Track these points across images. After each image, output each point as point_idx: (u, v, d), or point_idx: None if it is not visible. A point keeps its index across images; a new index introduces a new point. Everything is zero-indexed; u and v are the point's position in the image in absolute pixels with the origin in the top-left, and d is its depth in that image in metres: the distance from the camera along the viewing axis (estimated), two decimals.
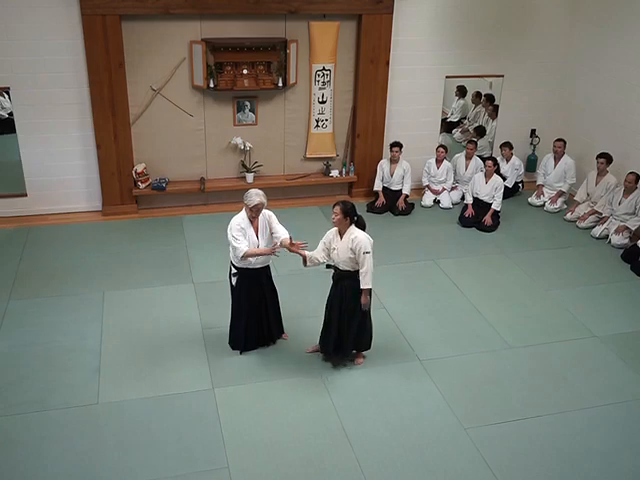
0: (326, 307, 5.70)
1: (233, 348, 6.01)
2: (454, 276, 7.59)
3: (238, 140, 9.02)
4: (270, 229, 5.50)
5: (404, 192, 9.42)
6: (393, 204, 9.34)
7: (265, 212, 5.46)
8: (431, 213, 9.44)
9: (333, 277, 5.52)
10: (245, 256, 5.28)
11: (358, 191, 9.79)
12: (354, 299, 5.40)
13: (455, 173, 9.69)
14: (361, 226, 5.33)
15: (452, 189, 9.79)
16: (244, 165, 9.16)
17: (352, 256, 5.23)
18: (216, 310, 6.58)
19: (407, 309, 6.84)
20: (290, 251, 5.38)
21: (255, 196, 5.33)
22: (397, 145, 9.29)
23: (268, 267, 5.75)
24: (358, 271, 5.26)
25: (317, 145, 9.51)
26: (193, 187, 9.01)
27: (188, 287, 7.10)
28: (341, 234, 5.31)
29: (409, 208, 9.41)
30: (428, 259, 7.95)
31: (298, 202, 9.27)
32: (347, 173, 9.61)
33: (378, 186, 9.46)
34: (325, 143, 9.51)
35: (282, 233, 5.46)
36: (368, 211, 9.30)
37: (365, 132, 9.43)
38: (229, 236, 5.35)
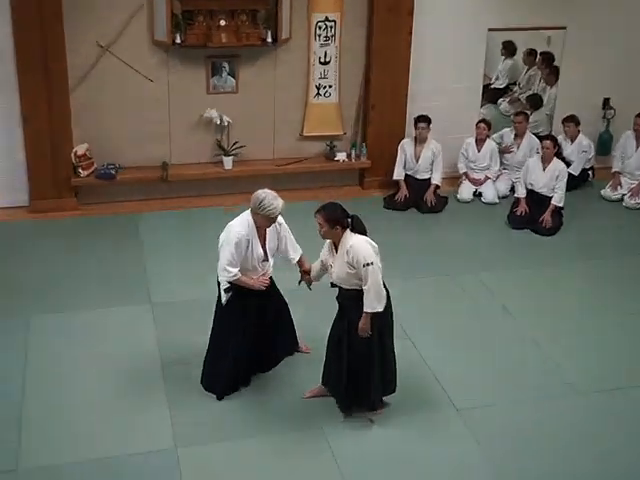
0: (328, 341, 5.74)
1: (207, 389, 5.94)
2: (501, 295, 7.56)
3: (213, 113, 9.02)
4: (280, 242, 5.62)
5: (434, 182, 9.40)
6: (420, 198, 9.29)
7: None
8: (470, 210, 9.48)
9: (337, 298, 5.62)
10: (233, 281, 5.38)
11: (372, 181, 9.79)
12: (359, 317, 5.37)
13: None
14: (359, 230, 5.28)
15: (498, 178, 9.81)
16: (220, 146, 9.17)
17: (352, 271, 5.22)
18: (182, 340, 6.54)
19: (439, 339, 6.80)
20: (303, 275, 5.66)
21: (276, 201, 5.30)
22: (424, 120, 9.23)
23: (273, 282, 5.90)
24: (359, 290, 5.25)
25: (318, 120, 9.54)
26: (152, 175, 9.05)
27: (144, 310, 7.10)
28: (336, 246, 5.32)
29: (440, 203, 9.38)
30: (467, 272, 7.89)
31: (292, 195, 8.71)
32: (357, 157, 9.61)
33: (399, 174, 9.46)
34: (328, 117, 9.54)
35: (296, 251, 5.66)
36: (386, 207, 9.29)
37: (382, 102, 9.42)
38: (221, 249, 5.37)
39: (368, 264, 5.16)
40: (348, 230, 5.23)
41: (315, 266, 5.64)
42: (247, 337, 5.73)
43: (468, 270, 7.91)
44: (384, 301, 5.23)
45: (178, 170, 9.15)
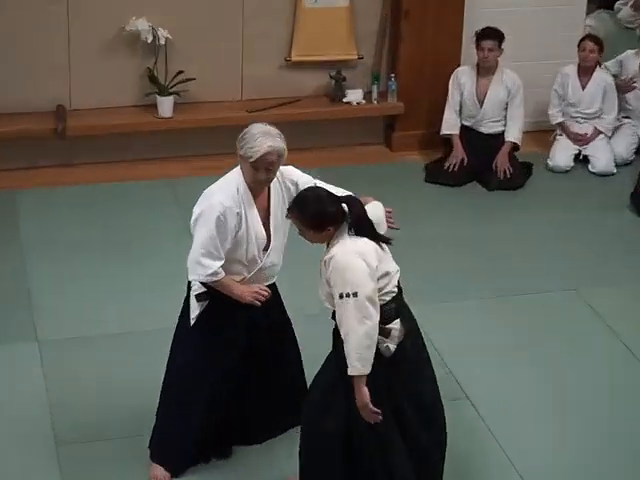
0: (308, 404, 5.30)
1: (159, 460, 5.46)
2: (621, 327, 6.97)
3: (141, 25, 8.39)
4: None
5: (509, 139, 8.72)
6: (485, 165, 8.70)
7: (285, 172, 5.17)
8: (569, 185, 8.81)
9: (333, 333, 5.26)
10: (210, 283, 5.10)
11: (405, 137, 9.11)
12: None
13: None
14: (364, 231, 4.78)
15: (616, 132, 9.19)
16: (153, 79, 8.58)
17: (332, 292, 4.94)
18: (87, 397, 6.04)
19: (518, 401, 6.26)
20: None
21: (263, 138, 4.88)
22: (492, 35, 8.57)
23: (275, 288, 5.43)
24: None
25: (316, 35, 8.90)
26: (40, 128, 8.52)
27: (27, 350, 6.60)
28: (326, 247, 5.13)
29: (520, 174, 8.74)
30: (563, 288, 7.38)
31: None
32: (382, 97, 9.04)
33: (451, 126, 8.78)
34: (333, 31, 8.91)
35: None
36: (430, 180, 8.69)
37: (422, 7, 8.84)
38: (194, 229, 5.08)
39: (347, 295, 4.61)
40: (346, 232, 4.77)
41: None
42: (227, 382, 5.35)
43: (566, 283, 7.43)
44: (371, 356, 4.71)
45: (83, 119, 8.53)
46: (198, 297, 5.31)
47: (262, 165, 4.99)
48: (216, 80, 8.79)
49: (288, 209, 5.01)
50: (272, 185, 5.26)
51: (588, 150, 8.96)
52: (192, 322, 5.37)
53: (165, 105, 8.50)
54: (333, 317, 5.06)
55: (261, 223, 5.23)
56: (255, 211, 5.21)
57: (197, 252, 5.12)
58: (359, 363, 4.83)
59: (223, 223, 5.08)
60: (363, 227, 4.94)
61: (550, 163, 8.91)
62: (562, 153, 8.91)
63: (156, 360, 5.90)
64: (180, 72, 8.51)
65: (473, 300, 7.21)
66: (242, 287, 5.25)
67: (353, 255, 4.80)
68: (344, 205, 4.93)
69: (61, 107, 8.50)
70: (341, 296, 4.77)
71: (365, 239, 4.90)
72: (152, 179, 8.42)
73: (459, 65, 8.92)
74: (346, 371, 4.96)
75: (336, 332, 5.08)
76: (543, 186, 8.74)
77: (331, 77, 8.91)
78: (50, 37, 8.56)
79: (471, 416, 6.18)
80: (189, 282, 5.44)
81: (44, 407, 6.16)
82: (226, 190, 5.13)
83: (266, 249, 5.28)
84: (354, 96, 8.84)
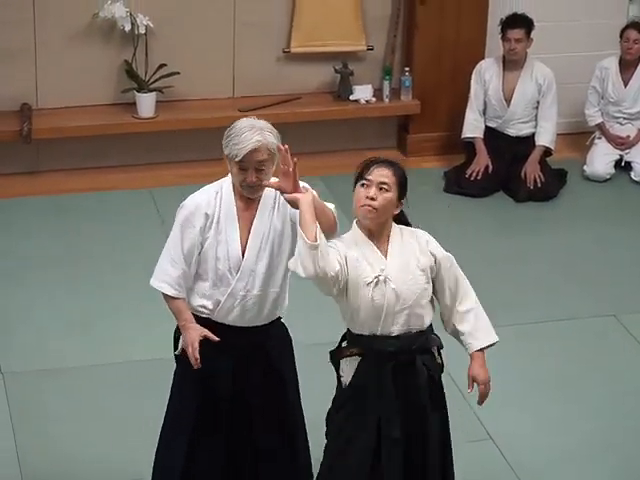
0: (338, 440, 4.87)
1: None
2: None
3: (118, 10, 7.93)
4: (287, 240, 4.90)
5: (540, 143, 8.27)
6: (514, 173, 8.31)
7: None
8: (609, 194, 8.44)
9: (379, 363, 4.62)
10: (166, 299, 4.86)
11: (422, 140, 8.75)
12: (436, 414, 4.70)
13: None
14: (403, 221, 4.70)
15: None
16: (131, 73, 8.16)
17: (428, 286, 4.60)
18: (59, 443, 5.78)
19: (544, 438, 5.89)
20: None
21: (250, 131, 4.62)
22: (521, 23, 8.12)
23: (277, 325, 4.96)
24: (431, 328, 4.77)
25: (318, 23, 8.47)
26: (2, 129, 8.13)
27: None
28: (378, 239, 4.64)
29: (553, 183, 8.32)
30: (600, 313, 6.93)
31: None
32: (394, 94, 8.66)
33: (474, 128, 8.34)
34: (338, 16, 8.51)
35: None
36: (449, 190, 8.27)
37: None
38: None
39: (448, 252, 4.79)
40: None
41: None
42: (208, 445, 4.94)
43: (601, 310, 6.99)
44: None
45: (51, 120, 8.12)
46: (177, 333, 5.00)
47: (250, 165, 4.66)
48: (204, 75, 8.45)
49: (376, 161, 4.64)
50: (263, 199, 4.83)
51: (631, 155, 8.53)
52: (176, 352, 5.02)
53: (145, 103, 8.14)
54: (407, 341, 4.75)
55: (239, 238, 4.85)
56: (235, 222, 4.84)
57: (161, 259, 4.97)
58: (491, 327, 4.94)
59: (188, 223, 4.84)
60: (404, 220, 4.74)
61: (587, 170, 8.48)
62: (601, 159, 8.48)
63: (135, 393, 5.75)
64: (162, 65, 8.13)
65: (500, 328, 6.35)
66: (193, 325, 4.90)
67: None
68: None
69: (26, 106, 8.14)
70: (448, 258, 4.73)
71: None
72: (131, 189, 8.14)
73: (483, 58, 8.53)
74: (422, 427, 4.68)
75: (403, 359, 4.72)
76: (579, 197, 8.41)
77: (336, 71, 8.51)
78: (12, 24, 8.18)
79: (491, 455, 5.76)
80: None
81: (12, 463, 5.77)
82: (204, 191, 4.92)
83: (239, 269, 4.94)
84: (363, 93, 8.48)
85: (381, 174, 4.51)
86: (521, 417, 6.14)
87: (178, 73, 8.09)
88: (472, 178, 8.19)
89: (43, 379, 6.32)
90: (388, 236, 4.61)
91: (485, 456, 5.77)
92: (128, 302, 6.70)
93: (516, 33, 8.01)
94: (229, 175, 4.93)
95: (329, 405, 5.07)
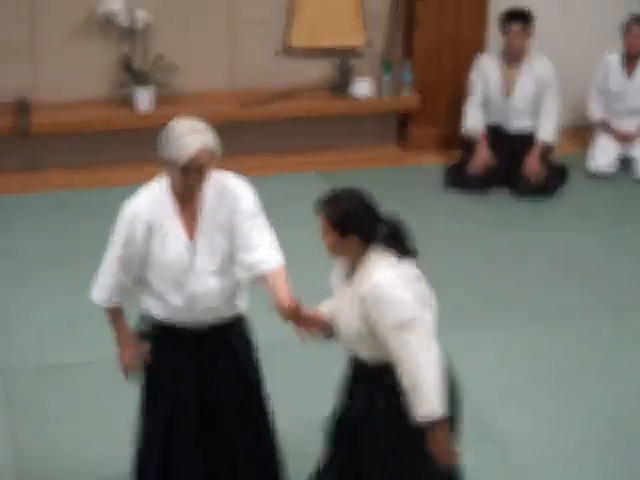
0: (329, 438, 4.79)
1: None
2: None
3: (115, 5, 7.98)
4: (235, 234, 4.72)
5: (541, 138, 8.29)
6: (515, 169, 8.30)
7: (223, 179, 4.76)
8: (611, 191, 8.44)
9: (347, 380, 4.71)
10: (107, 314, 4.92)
11: (422, 135, 8.75)
12: (387, 436, 4.53)
13: None
14: (402, 249, 4.43)
15: None
16: (130, 67, 8.24)
17: (364, 329, 4.44)
18: (62, 437, 5.71)
19: (548, 438, 5.81)
20: (297, 325, 4.68)
21: (191, 134, 4.51)
22: (520, 18, 8.14)
23: (237, 323, 4.88)
24: (390, 366, 4.56)
25: (318, 18, 8.53)
26: (0, 125, 8.37)
27: None
28: (351, 271, 4.62)
29: (554, 179, 8.30)
30: (603, 312, 6.87)
31: (270, 163, 8.40)
32: (394, 90, 8.65)
33: (475, 123, 8.35)
34: (338, 12, 8.55)
35: (264, 259, 4.66)
36: (449, 186, 8.31)
37: None
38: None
39: (401, 325, 4.29)
40: (376, 247, 4.44)
41: (327, 306, 4.80)
42: (178, 426, 4.90)
43: (604, 309, 6.93)
44: (440, 392, 4.48)
45: (48, 115, 8.07)
46: (141, 334, 5.00)
47: (193, 168, 4.60)
48: (203, 69, 8.48)
49: (321, 202, 4.59)
50: (208, 198, 4.82)
51: (635, 152, 8.55)
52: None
53: (144, 98, 8.16)
54: (358, 368, 4.69)
55: (185, 239, 4.83)
56: (179, 223, 4.80)
57: (100, 270, 4.98)
58: (439, 402, 4.45)
59: (130, 236, 4.76)
60: (405, 247, 4.51)
61: (590, 166, 8.51)
62: (603, 155, 8.50)
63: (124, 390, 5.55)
64: (160, 55, 8.13)
65: (499, 325, 6.88)
66: (128, 346, 4.95)
67: (395, 279, 4.47)
68: (381, 226, 4.53)
69: (23, 100, 8.14)
70: (395, 328, 4.37)
71: (401, 262, 4.61)
72: (129, 185, 7.90)
73: (481, 52, 8.57)
74: (414, 425, 4.49)
75: (363, 378, 4.65)
76: (581, 193, 8.41)
77: (336, 66, 8.56)
78: (10, 20, 8.16)
79: (495, 457, 5.69)
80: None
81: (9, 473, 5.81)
82: (141, 197, 4.84)
83: (191, 269, 4.88)
84: (362, 88, 8.50)
85: (321, 217, 4.56)
86: (521, 414, 6.07)
87: (177, 67, 7.98)
88: (473, 174, 8.21)
89: (43, 378, 6.32)
90: (354, 269, 4.56)
91: (485, 453, 5.70)
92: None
93: (516, 27, 8.03)
94: (163, 176, 4.89)
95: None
